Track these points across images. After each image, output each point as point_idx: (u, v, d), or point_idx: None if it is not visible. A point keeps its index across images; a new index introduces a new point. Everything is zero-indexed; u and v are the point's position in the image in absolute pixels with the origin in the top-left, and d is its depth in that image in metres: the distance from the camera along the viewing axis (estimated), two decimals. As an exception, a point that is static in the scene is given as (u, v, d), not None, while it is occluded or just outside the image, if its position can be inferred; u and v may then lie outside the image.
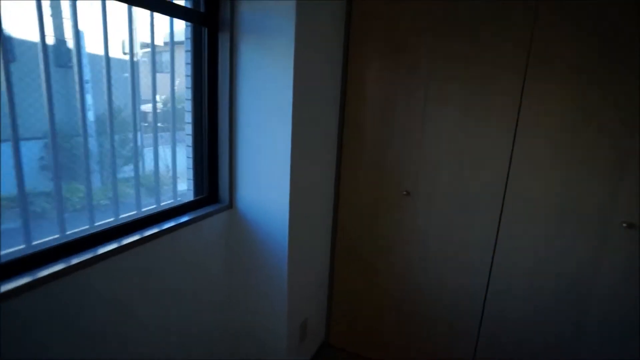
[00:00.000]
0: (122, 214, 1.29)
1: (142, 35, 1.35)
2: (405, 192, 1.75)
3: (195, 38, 1.48)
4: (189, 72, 1.50)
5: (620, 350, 1.48)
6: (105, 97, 1.18)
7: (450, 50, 1.56)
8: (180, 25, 1.50)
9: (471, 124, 1.57)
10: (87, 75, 1.33)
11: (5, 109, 0.89)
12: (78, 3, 1.06)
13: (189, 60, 1.50)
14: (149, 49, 1.34)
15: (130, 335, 1.21)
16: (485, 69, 1.51)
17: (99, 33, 1.14)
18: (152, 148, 1.42)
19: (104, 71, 1.17)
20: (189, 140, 1.58)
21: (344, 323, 2.06)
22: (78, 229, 1.14)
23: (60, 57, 1.32)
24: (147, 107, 1.47)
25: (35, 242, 1.00)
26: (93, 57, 1.36)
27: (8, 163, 0.93)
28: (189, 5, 1.43)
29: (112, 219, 1.25)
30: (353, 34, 1.73)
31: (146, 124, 1.57)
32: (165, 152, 1.54)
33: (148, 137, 1.46)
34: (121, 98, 1.31)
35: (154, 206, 1.43)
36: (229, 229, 1.63)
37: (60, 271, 0.94)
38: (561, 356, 1.59)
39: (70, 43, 1.21)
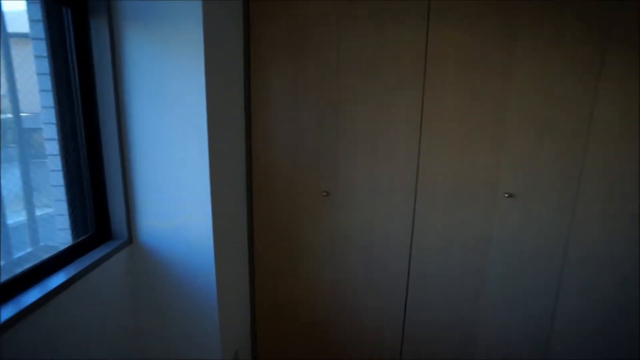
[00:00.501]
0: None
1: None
2: (324, 193, 1.71)
3: (52, 24, 1.08)
4: (47, 69, 1.09)
5: (517, 308, 1.79)
6: None
7: (356, 47, 1.57)
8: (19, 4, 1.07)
9: (382, 121, 1.63)
10: None
11: None
12: None
13: (44, 52, 1.09)
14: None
15: None
16: (390, 68, 1.58)
17: None
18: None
19: None
20: (55, 162, 1.15)
21: (272, 344, 1.90)
22: None
23: None
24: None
25: None
26: None
27: None
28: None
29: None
30: (253, 33, 1.57)
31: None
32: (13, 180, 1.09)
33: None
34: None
35: None
36: (133, 272, 1.27)
37: None
38: (465, 318, 1.83)
39: None
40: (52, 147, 1.13)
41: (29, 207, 1.15)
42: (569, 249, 1.70)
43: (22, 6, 1.09)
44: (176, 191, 1.22)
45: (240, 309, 1.65)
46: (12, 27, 1.02)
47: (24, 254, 1.13)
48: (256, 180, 1.72)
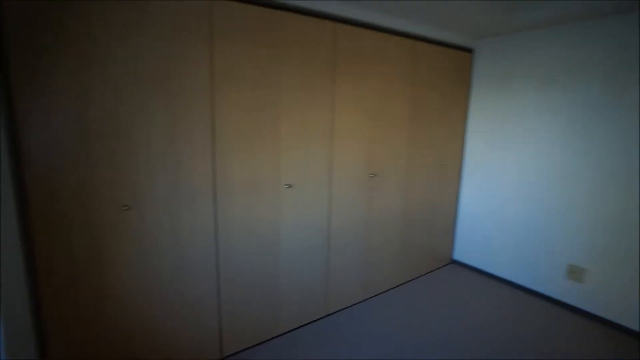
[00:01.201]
0: None
1: None
2: (125, 207, 1.63)
3: None
4: None
5: (305, 266, 2.28)
6: None
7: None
8: None
9: (178, 134, 1.73)
10: None
11: None
12: None
13: None
14: None
15: None
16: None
17: None
18: None
19: None
20: None
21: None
22: None
23: None
24: None
25: None
26: None
27: None
28: None
29: None
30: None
31: None
32: None
33: None
34: None
35: None
36: None
37: None
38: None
39: None
40: None
41: None
42: (331, 220, 2.35)
43: None
44: None
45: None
46: None
47: None
48: (35, 211, 1.44)
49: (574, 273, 2.62)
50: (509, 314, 2.60)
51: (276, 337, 2.26)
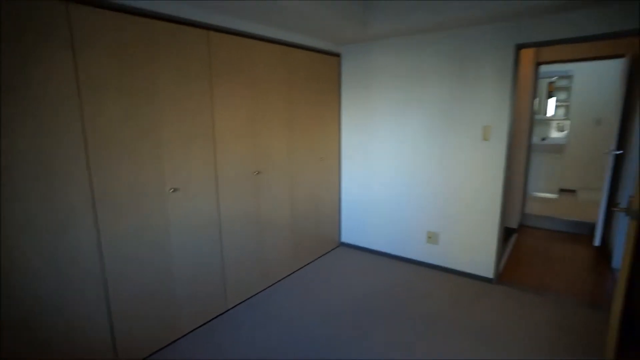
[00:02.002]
0: None
1: None
2: None
3: None
4: None
5: (200, 263, 2.34)
6: None
7: None
8: None
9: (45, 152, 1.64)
10: None
11: None
12: None
13: None
14: None
15: None
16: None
17: None
18: None
19: None
20: None
21: None
22: None
23: None
24: None
25: None
26: None
27: None
28: None
29: None
30: None
31: None
32: None
33: None
34: None
35: None
36: None
37: None
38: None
39: None
40: None
41: None
42: (221, 218, 2.46)
43: None
44: None
45: None
46: None
47: None
48: None
49: (431, 238, 3.23)
50: (387, 279, 3.08)
51: (177, 340, 2.29)
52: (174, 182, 2.17)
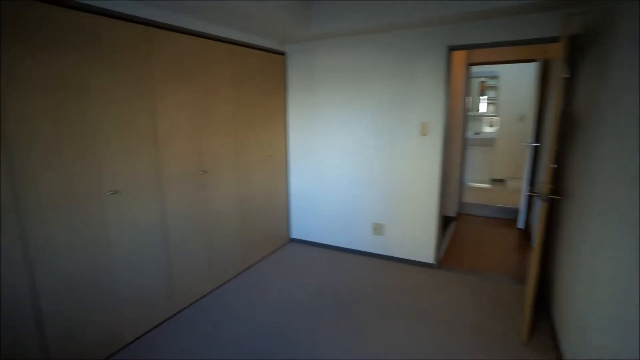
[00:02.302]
0: None
1: None
2: None
3: None
4: None
5: (148, 268, 2.25)
6: None
7: None
8: None
9: None
10: None
11: None
12: None
13: None
14: None
15: None
16: None
17: None
18: None
19: None
20: None
21: None
22: None
23: None
24: None
25: None
26: None
27: None
28: None
29: None
30: None
31: None
32: None
33: None
34: None
35: None
36: None
37: None
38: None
39: None
40: None
41: None
42: (167, 219, 2.39)
43: None
44: None
45: None
46: None
47: None
48: None
49: (377, 229, 3.39)
50: (337, 272, 3.18)
51: (122, 348, 2.19)
52: (114, 184, 2.07)
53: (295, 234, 3.90)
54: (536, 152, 3.92)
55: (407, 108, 3.07)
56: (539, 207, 2.12)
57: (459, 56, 4.19)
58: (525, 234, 4.04)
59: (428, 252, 3.22)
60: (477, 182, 6.00)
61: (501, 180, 6.32)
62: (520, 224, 3.91)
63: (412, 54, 2.97)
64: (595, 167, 1.72)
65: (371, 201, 3.38)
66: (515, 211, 4.55)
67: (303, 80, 3.51)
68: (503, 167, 6.33)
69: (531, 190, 2.08)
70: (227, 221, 2.96)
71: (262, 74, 3.23)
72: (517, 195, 5.25)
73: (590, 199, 1.74)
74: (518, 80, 5.97)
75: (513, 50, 4.08)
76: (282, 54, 3.49)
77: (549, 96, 3.54)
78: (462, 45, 2.80)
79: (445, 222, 4.32)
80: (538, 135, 3.90)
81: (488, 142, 5.98)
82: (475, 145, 5.96)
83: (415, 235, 3.23)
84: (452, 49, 2.86)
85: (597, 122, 1.74)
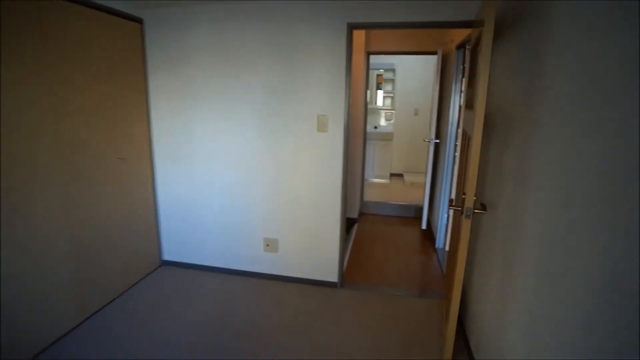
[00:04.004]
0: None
1: None
2: None
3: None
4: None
5: None
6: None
7: None
8: None
9: None
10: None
11: None
12: None
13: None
14: None
15: None
16: None
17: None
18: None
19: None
20: None
21: None
22: None
23: None
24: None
25: None
26: None
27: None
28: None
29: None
30: None
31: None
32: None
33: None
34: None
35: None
36: None
37: None
38: None
39: None
40: None
41: None
42: None
43: None
44: None
45: None
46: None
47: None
48: None
49: (270, 245, 2.78)
50: (220, 299, 2.51)
51: None
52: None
53: (168, 256, 3.05)
54: (436, 149, 3.77)
55: (301, 99, 2.50)
56: (460, 223, 1.76)
57: (358, 44, 3.79)
58: (428, 235, 3.90)
59: (331, 268, 2.74)
60: (376, 178, 5.85)
61: (399, 175, 6.31)
62: (424, 225, 3.76)
63: (306, 33, 2.39)
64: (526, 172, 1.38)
65: (262, 212, 2.75)
66: (414, 208, 4.44)
67: (170, 61, 2.66)
68: (401, 161, 6.33)
69: (451, 204, 1.66)
70: (48, 262, 1.99)
71: (106, 46, 2.29)
72: (415, 190, 5.21)
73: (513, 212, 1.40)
74: (412, 74, 5.95)
75: (413, 41, 3.85)
76: (138, 21, 2.58)
77: (449, 91, 3.36)
78: (365, 22, 2.32)
79: (347, 224, 3.95)
80: (438, 131, 3.75)
81: (386, 136, 5.86)
82: (375, 139, 5.78)
83: (316, 250, 2.72)
84: (353, 27, 2.37)
85: (530, 121, 1.41)
